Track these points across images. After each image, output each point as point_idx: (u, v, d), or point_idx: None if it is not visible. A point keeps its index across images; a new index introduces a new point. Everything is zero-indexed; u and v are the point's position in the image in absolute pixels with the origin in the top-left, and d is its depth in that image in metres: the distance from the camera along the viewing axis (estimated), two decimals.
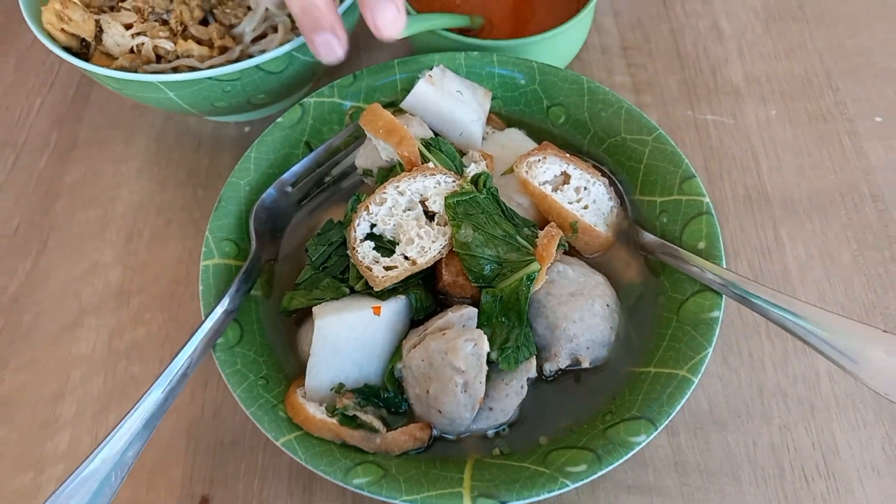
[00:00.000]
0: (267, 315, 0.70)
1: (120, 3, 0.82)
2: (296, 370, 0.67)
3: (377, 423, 0.61)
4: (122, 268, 0.83)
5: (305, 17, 0.64)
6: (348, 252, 0.67)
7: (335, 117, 0.81)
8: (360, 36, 0.99)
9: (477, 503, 0.55)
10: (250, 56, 0.79)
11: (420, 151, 0.70)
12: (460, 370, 0.59)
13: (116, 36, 0.78)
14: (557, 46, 0.87)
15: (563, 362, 0.64)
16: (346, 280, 0.67)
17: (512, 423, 0.63)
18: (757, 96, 0.93)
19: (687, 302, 0.65)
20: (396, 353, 0.65)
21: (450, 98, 0.76)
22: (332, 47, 0.65)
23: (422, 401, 0.62)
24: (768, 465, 0.68)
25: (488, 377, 0.60)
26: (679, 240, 0.69)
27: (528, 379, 0.63)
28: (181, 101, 0.77)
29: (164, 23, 0.80)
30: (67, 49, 0.79)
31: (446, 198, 0.65)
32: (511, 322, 0.63)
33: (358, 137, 0.79)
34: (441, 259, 0.65)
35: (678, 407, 0.58)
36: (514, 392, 0.62)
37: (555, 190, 0.71)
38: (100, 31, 0.80)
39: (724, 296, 0.63)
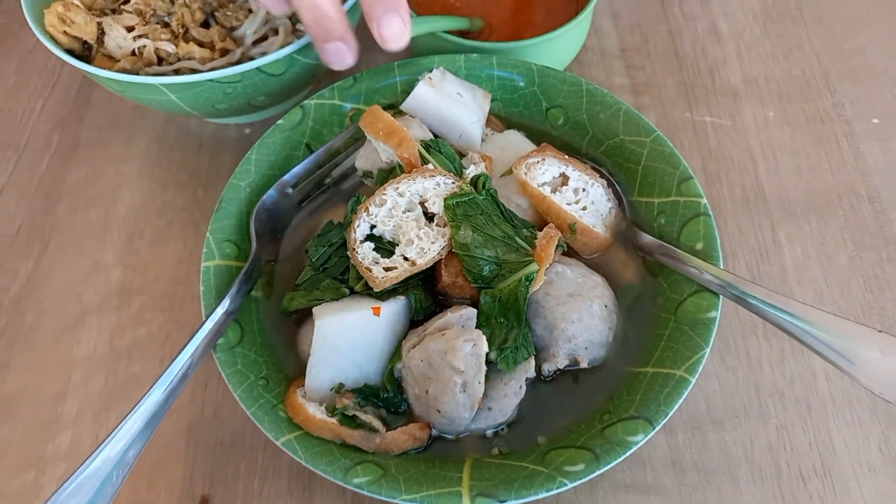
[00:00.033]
0: (267, 315, 0.70)
1: (122, 6, 0.82)
2: (296, 370, 0.67)
3: (377, 423, 0.61)
4: (123, 268, 0.84)
5: (317, 26, 0.65)
6: (348, 253, 0.67)
7: (335, 119, 0.81)
8: (359, 38, 0.99)
9: (476, 502, 0.55)
10: (251, 58, 0.79)
11: (420, 153, 0.70)
12: (459, 370, 0.59)
13: (118, 38, 0.79)
14: (556, 48, 0.87)
15: (561, 362, 0.64)
16: (346, 281, 0.68)
17: (511, 422, 0.64)
18: (755, 98, 0.94)
19: (684, 302, 0.65)
20: (396, 354, 0.65)
21: (449, 100, 0.77)
22: (343, 55, 0.68)
23: (421, 401, 0.62)
24: (765, 465, 0.68)
25: (487, 377, 0.60)
26: (677, 241, 0.69)
27: (527, 379, 0.63)
28: (182, 103, 0.77)
29: (166, 25, 0.81)
30: (69, 51, 0.80)
31: (446, 199, 0.66)
32: (510, 322, 0.63)
33: (358, 139, 0.79)
34: (440, 260, 0.65)
35: (676, 407, 0.59)
36: (512, 392, 0.62)
37: (553, 191, 0.71)
38: (102, 33, 0.80)
39: (721, 296, 0.64)
